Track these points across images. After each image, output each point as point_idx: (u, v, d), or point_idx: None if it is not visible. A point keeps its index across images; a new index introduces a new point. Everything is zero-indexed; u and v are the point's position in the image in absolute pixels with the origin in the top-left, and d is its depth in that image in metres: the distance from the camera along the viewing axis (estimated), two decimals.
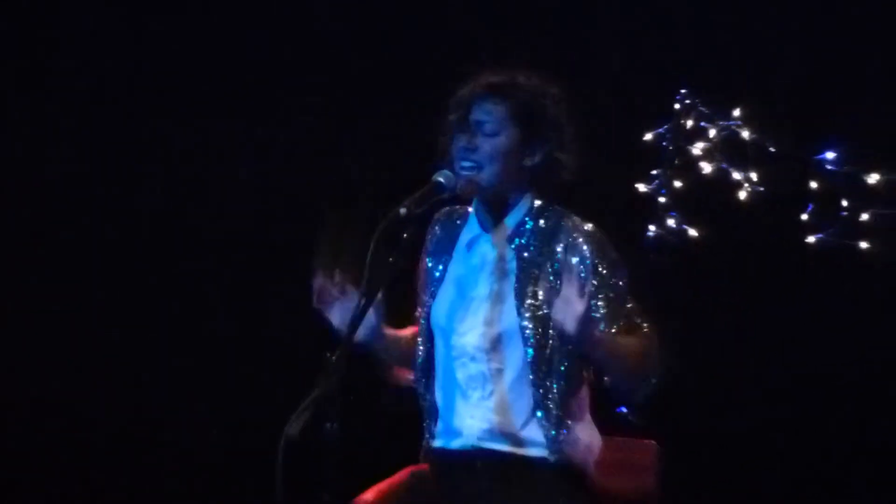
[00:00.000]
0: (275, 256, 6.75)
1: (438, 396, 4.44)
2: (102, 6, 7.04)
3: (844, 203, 5.82)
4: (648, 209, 5.90)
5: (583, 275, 4.22)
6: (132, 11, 6.97)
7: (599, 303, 4.30)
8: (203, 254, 6.95)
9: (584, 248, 4.32)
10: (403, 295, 4.48)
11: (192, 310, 6.94)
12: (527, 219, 4.38)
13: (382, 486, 4.35)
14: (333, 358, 3.92)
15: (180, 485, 6.86)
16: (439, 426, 4.40)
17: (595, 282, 4.25)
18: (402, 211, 4.14)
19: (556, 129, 4.38)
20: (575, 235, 4.32)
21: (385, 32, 6.62)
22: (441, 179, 4.27)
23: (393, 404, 4.66)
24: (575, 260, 4.26)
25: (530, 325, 4.28)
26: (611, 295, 4.30)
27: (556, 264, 4.32)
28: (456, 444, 4.35)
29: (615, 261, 4.35)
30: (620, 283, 4.34)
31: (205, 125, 6.88)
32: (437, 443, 4.40)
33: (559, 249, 4.31)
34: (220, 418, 6.83)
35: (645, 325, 4.35)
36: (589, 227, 4.34)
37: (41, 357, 7.02)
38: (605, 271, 4.32)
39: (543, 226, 4.36)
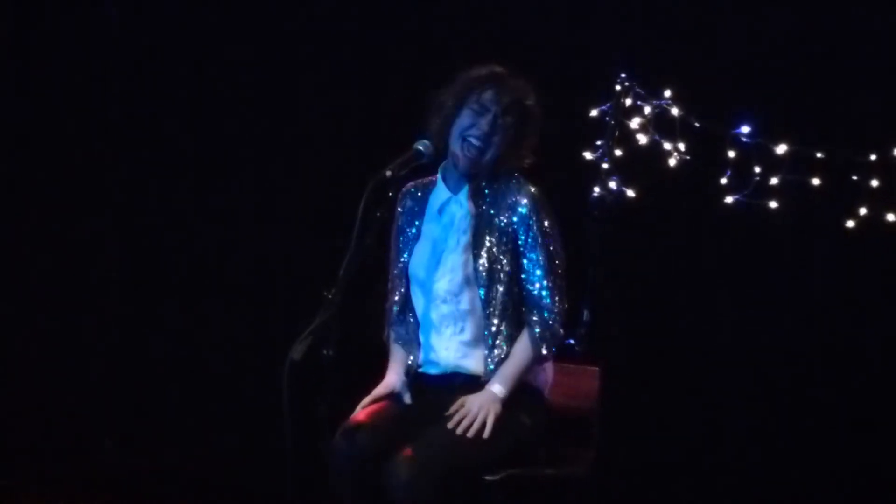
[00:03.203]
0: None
1: (418, 333, 4.57)
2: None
3: (757, 169, 5.73)
4: (594, 173, 5.85)
5: (522, 229, 4.43)
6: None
7: (535, 254, 4.43)
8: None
9: (524, 205, 4.43)
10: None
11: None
12: (485, 182, 4.49)
13: (370, 407, 4.45)
14: (331, 296, 4.09)
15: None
16: (421, 356, 4.54)
17: (532, 234, 4.43)
18: (388, 173, 4.27)
19: (533, 133, 4.49)
20: (518, 197, 4.44)
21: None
22: (420, 147, 4.39)
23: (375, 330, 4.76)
24: (516, 218, 4.43)
25: (482, 270, 4.41)
26: (545, 249, 4.43)
27: (502, 218, 4.44)
28: (435, 370, 4.52)
29: (551, 221, 4.47)
30: (552, 240, 4.45)
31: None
32: (421, 370, 4.55)
33: (507, 206, 4.44)
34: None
35: (552, 304, 4.43)
36: (532, 188, 4.47)
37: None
38: (540, 228, 4.44)
39: (496, 186, 4.48)
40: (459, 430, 4.28)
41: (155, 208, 6.84)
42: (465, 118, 4.44)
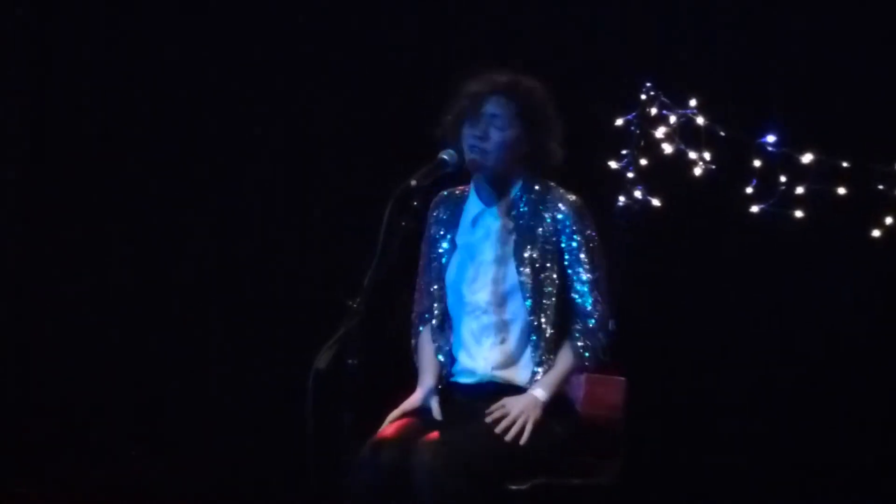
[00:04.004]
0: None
1: (454, 343, 4.55)
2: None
3: (782, 179, 5.72)
4: (619, 183, 5.84)
5: (564, 238, 4.42)
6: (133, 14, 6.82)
7: (579, 264, 4.43)
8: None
9: (567, 215, 4.42)
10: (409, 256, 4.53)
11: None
12: (521, 193, 4.47)
13: (398, 422, 4.42)
14: (355, 305, 4.07)
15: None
16: (455, 366, 4.52)
17: (574, 243, 4.42)
18: (413, 182, 4.27)
19: (549, 125, 4.46)
20: (560, 206, 4.43)
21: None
22: (445, 157, 4.40)
23: (399, 339, 4.75)
24: (558, 227, 4.42)
25: (528, 280, 4.40)
26: (589, 259, 4.43)
27: (545, 228, 4.43)
28: (470, 380, 4.50)
29: (592, 230, 4.47)
30: (595, 249, 4.46)
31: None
32: (454, 378, 4.52)
33: (548, 216, 4.43)
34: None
35: (595, 311, 4.43)
36: (572, 197, 4.47)
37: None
38: (583, 238, 4.43)
39: (534, 197, 4.46)
40: (498, 430, 4.26)
41: (168, 211, 6.80)
42: (466, 128, 4.45)
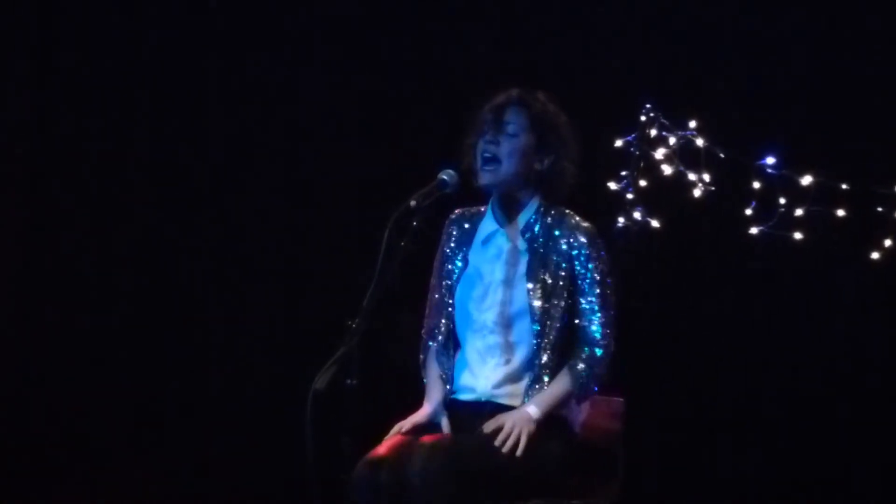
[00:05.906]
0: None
1: (456, 362, 4.54)
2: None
3: (782, 200, 5.72)
4: (618, 204, 5.82)
5: (578, 265, 4.41)
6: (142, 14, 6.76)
7: (592, 293, 4.43)
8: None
9: (583, 243, 4.43)
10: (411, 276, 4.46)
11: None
12: (536, 216, 4.48)
13: (394, 439, 4.40)
14: (353, 325, 4.03)
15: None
16: (456, 384, 4.51)
17: (589, 271, 4.41)
18: (413, 203, 4.25)
19: (563, 143, 4.48)
20: (576, 234, 4.43)
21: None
22: (444, 177, 4.37)
23: (399, 359, 4.76)
24: (574, 253, 4.41)
25: (538, 304, 4.40)
26: (601, 289, 4.43)
27: (560, 254, 4.43)
28: (470, 397, 4.48)
29: (606, 256, 4.46)
30: (608, 280, 4.45)
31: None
32: (453, 396, 4.51)
33: (563, 242, 4.43)
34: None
35: (602, 341, 4.41)
36: (588, 225, 4.48)
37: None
38: (597, 267, 4.43)
39: (550, 222, 4.47)
40: (495, 443, 4.24)
41: (169, 212, 6.75)
42: (480, 142, 4.47)
